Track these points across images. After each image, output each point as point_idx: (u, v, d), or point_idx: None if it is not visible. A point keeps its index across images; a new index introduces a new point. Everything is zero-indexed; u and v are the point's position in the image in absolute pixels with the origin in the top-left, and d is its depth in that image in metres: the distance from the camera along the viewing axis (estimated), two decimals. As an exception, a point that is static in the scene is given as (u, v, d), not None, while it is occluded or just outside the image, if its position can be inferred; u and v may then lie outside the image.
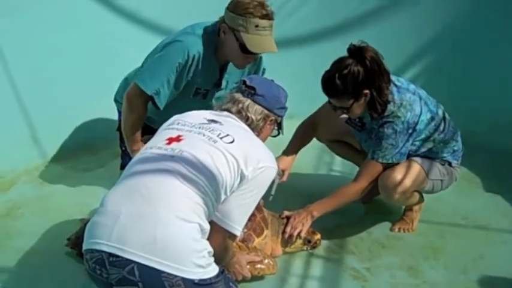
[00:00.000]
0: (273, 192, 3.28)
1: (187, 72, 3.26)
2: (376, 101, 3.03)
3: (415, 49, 4.75)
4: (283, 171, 3.36)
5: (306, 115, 3.48)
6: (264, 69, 3.58)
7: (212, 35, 3.25)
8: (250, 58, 3.25)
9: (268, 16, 3.10)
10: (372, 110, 3.08)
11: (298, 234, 3.15)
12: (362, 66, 2.96)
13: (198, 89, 3.39)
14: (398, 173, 3.14)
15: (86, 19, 4.21)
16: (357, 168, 3.64)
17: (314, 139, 3.58)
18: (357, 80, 2.97)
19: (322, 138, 3.66)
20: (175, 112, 2.74)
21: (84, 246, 2.31)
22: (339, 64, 3.01)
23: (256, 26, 3.09)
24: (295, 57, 4.80)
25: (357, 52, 2.98)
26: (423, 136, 3.17)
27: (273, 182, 3.02)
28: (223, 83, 3.45)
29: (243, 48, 3.14)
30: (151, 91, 3.24)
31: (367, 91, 3.00)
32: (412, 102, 3.08)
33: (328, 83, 3.02)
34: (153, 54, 3.33)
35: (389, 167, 3.16)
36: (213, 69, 3.37)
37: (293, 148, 3.44)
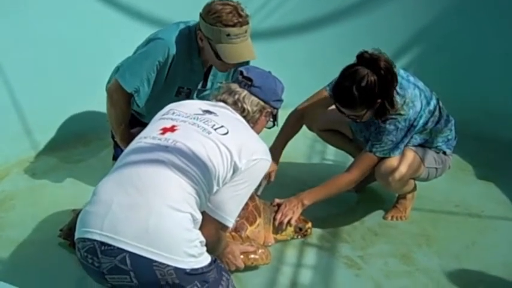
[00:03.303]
0: (259, 193, 3.28)
1: (168, 71, 3.26)
2: (386, 108, 3.01)
3: (408, 37, 4.73)
4: (269, 173, 3.31)
5: (297, 105, 3.45)
6: None
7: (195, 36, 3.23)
8: (229, 65, 3.20)
9: (240, 23, 3.03)
10: (380, 115, 3.06)
11: (289, 221, 3.15)
12: (377, 77, 2.89)
13: (180, 88, 3.39)
14: (394, 161, 3.14)
15: (77, 10, 4.19)
16: (350, 157, 3.66)
17: (305, 128, 3.57)
18: (373, 92, 2.91)
19: (313, 127, 3.65)
20: (160, 109, 2.71)
21: (76, 235, 2.31)
22: (354, 74, 2.92)
23: (228, 35, 3.03)
24: (287, 46, 4.79)
25: (370, 61, 2.91)
26: (420, 128, 3.16)
27: (259, 183, 3.03)
28: (209, 84, 3.45)
29: (219, 57, 3.12)
30: (131, 89, 3.26)
31: (380, 100, 2.97)
32: (413, 98, 3.07)
33: (345, 94, 2.95)
34: (142, 45, 3.32)
35: (384, 157, 3.16)
36: (197, 70, 3.35)
37: (280, 143, 3.42)
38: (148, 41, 3.28)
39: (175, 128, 2.47)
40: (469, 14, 4.55)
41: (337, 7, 4.78)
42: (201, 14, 3.10)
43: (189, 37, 3.23)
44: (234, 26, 3.02)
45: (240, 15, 3.03)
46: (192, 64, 3.31)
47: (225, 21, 3.01)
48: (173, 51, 3.19)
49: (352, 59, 3.00)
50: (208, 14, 3.04)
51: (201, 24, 3.12)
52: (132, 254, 2.16)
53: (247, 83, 2.66)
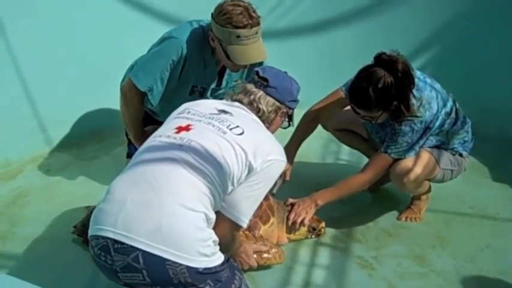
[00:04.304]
0: (275, 191, 3.27)
1: (181, 70, 3.26)
2: (401, 111, 2.98)
3: (422, 39, 4.70)
4: (284, 173, 3.30)
5: (310, 104, 3.44)
6: None
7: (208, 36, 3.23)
8: (240, 66, 3.20)
9: (251, 24, 3.01)
10: (396, 118, 3.03)
11: (302, 221, 3.14)
12: (394, 79, 2.87)
13: (194, 86, 3.39)
14: (409, 162, 3.13)
15: (91, 6, 4.20)
16: (364, 157, 3.64)
17: (320, 128, 3.56)
18: (390, 93, 2.89)
19: (329, 127, 3.63)
20: (174, 108, 2.71)
21: (90, 233, 2.32)
22: (371, 76, 2.89)
23: (238, 37, 3.01)
24: (299, 47, 4.78)
25: (388, 63, 2.88)
26: (436, 130, 3.14)
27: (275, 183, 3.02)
28: (223, 83, 3.45)
29: (229, 58, 3.12)
30: (145, 88, 3.27)
31: (396, 103, 2.95)
32: (430, 100, 3.04)
33: (361, 95, 2.93)
34: (156, 44, 3.32)
35: (399, 159, 3.14)
36: (210, 69, 3.35)
37: (294, 143, 3.41)
38: (162, 39, 3.28)
39: (190, 127, 2.47)
40: (481, 15, 4.52)
41: (349, 8, 4.77)
42: (212, 15, 3.10)
43: (202, 36, 3.23)
44: (244, 27, 3.01)
45: (251, 17, 3.02)
46: (205, 63, 3.31)
47: (235, 23, 3.00)
48: (187, 50, 3.19)
49: (365, 60, 2.98)
50: (219, 15, 3.04)
51: (212, 25, 3.12)
52: (145, 253, 2.16)
53: (263, 83, 2.66)
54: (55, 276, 2.93)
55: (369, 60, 2.96)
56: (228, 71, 3.39)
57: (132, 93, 3.32)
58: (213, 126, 2.46)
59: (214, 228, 2.36)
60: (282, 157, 2.55)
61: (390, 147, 3.11)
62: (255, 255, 2.90)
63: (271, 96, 2.66)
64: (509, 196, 3.73)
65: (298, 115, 3.17)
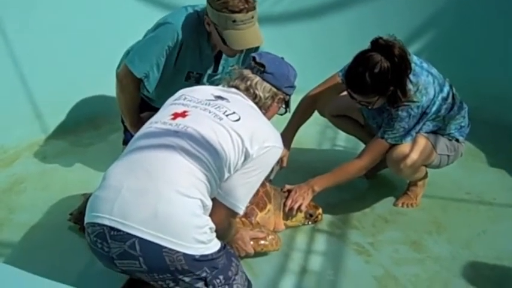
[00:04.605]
0: (272, 177, 3.27)
1: (177, 56, 3.24)
2: (398, 97, 2.97)
3: (418, 24, 4.68)
4: (281, 159, 3.29)
5: (305, 90, 3.42)
6: None
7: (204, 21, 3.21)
8: (236, 50, 3.19)
9: (247, 9, 2.99)
10: (392, 103, 3.02)
11: (299, 207, 3.14)
12: (391, 64, 2.86)
13: (190, 72, 3.37)
14: (406, 147, 3.12)
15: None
16: (361, 143, 3.64)
17: (316, 114, 3.55)
18: (386, 78, 2.88)
19: (325, 112, 3.62)
20: (170, 95, 2.70)
21: (86, 220, 2.32)
22: (367, 61, 2.88)
23: (234, 21, 3.00)
24: (296, 32, 4.76)
25: (385, 48, 2.86)
26: (432, 115, 3.13)
27: (272, 169, 3.01)
28: (220, 68, 3.43)
29: (225, 43, 3.10)
30: (141, 74, 3.26)
31: (392, 88, 2.94)
32: (426, 85, 3.03)
33: (358, 80, 2.92)
34: (152, 30, 3.30)
35: (396, 144, 3.14)
36: (206, 55, 3.34)
37: (291, 129, 3.39)
38: (158, 25, 3.26)
39: (186, 113, 2.46)
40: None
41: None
42: None
43: (198, 21, 3.21)
44: (240, 12, 2.99)
45: (247, 1, 3.00)
46: (201, 49, 3.29)
47: (231, 7, 2.98)
48: (182, 35, 3.17)
49: (360, 46, 2.97)
50: None
51: (207, 10, 3.10)
52: (141, 240, 2.16)
53: (259, 69, 2.64)
54: (51, 263, 2.91)
55: (365, 45, 2.95)
56: (224, 56, 3.37)
57: (128, 79, 3.31)
58: (210, 112, 2.45)
59: (210, 215, 2.36)
60: (279, 143, 2.54)
61: (387, 132, 3.10)
62: (251, 242, 2.90)
63: (268, 82, 2.64)
64: (506, 181, 3.73)
65: (294, 101, 3.16)
